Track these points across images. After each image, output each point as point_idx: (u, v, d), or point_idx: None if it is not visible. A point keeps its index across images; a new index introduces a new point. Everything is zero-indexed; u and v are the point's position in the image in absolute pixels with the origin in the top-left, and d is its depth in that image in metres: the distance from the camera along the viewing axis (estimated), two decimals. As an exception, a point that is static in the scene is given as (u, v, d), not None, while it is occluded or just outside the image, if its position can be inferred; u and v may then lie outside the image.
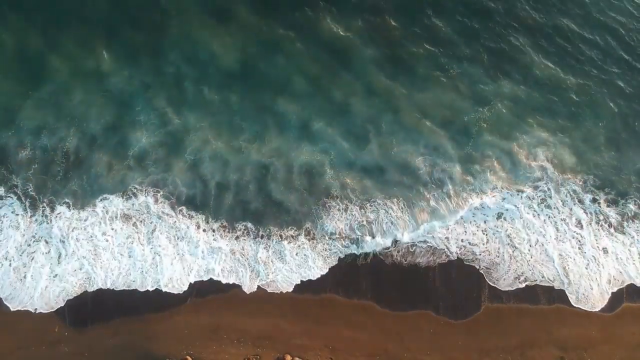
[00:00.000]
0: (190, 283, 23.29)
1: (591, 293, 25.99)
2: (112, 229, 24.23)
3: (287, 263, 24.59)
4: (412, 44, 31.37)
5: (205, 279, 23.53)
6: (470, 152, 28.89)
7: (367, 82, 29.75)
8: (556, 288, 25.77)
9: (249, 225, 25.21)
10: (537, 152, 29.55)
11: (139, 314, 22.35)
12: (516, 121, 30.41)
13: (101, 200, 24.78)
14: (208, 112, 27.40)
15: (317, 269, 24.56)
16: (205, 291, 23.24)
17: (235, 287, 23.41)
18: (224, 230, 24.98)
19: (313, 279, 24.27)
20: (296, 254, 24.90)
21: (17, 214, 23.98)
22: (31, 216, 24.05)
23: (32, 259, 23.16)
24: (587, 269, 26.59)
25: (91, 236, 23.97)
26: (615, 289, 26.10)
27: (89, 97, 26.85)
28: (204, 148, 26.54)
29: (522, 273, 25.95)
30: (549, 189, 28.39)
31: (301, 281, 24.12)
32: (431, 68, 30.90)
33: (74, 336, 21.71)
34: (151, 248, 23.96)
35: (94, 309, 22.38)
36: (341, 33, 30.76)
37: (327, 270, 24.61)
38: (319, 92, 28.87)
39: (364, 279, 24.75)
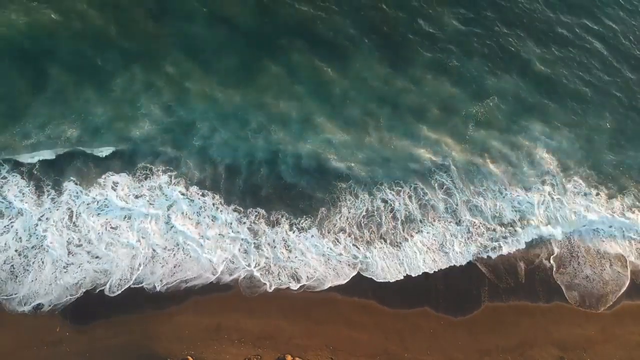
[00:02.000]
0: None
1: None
2: (126, 209, 24.14)
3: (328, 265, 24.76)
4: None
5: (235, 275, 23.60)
6: (475, 146, 29.08)
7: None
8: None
9: (283, 218, 25.46)
10: (541, 147, 29.69)
11: (140, 314, 22.30)
12: (518, 117, 30.48)
13: (109, 177, 24.69)
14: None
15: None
16: (206, 291, 23.18)
17: (236, 287, 23.41)
18: (249, 219, 25.00)
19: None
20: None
21: (23, 193, 23.64)
22: (38, 196, 23.73)
23: (41, 245, 22.87)
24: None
25: (98, 214, 23.79)
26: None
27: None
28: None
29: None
30: (555, 183, 28.50)
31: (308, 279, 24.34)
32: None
33: (76, 336, 21.63)
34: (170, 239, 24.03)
35: (95, 309, 22.27)
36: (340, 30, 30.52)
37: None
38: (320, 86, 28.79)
39: (364, 278, 24.73)
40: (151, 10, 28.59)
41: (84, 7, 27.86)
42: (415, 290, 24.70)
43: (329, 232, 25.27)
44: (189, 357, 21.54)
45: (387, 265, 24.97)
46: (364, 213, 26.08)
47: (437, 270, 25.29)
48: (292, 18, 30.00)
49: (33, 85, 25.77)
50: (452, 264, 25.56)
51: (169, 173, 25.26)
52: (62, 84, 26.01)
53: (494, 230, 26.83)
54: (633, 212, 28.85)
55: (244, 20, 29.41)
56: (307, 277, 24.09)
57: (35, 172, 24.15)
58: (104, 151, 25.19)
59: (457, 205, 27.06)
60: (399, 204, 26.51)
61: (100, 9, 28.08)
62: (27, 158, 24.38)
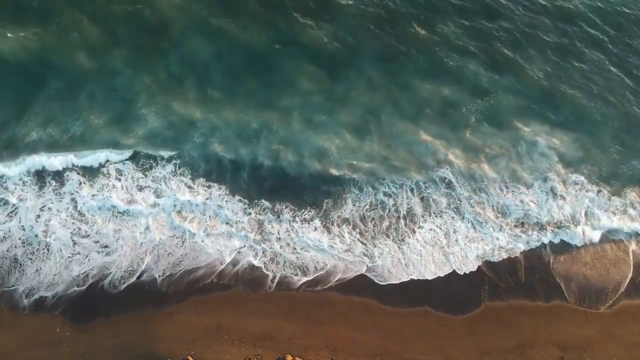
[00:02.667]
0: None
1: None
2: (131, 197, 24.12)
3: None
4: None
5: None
6: (476, 145, 29.06)
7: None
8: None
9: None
10: (541, 146, 29.62)
11: (140, 313, 22.25)
12: (519, 114, 30.46)
13: (112, 165, 24.81)
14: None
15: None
16: (207, 290, 23.14)
17: (236, 287, 23.37)
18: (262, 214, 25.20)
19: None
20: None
21: (26, 182, 23.65)
22: (40, 187, 23.70)
23: (44, 235, 22.81)
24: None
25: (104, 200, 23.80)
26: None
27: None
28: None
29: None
30: (556, 181, 28.52)
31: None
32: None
33: (76, 336, 21.58)
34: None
35: (95, 309, 22.23)
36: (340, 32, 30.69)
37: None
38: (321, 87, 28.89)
39: (365, 277, 24.69)
40: (150, 19, 28.77)
41: (83, 19, 28.02)
42: (416, 290, 24.69)
43: (332, 225, 25.35)
44: (189, 357, 21.55)
45: (392, 267, 24.94)
46: (367, 207, 26.15)
47: (442, 275, 25.26)
48: (290, 25, 30.15)
49: (34, 87, 25.80)
50: (459, 271, 25.50)
51: (173, 161, 25.40)
52: (63, 84, 26.11)
53: (500, 229, 26.78)
54: (635, 209, 28.87)
55: (243, 26, 29.69)
56: (315, 267, 24.18)
57: (37, 165, 24.13)
58: (105, 149, 25.19)
59: (459, 201, 27.05)
60: (402, 198, 26.57)
61: (98, 20, 28.28)
62: (28, 156, 24.34)
